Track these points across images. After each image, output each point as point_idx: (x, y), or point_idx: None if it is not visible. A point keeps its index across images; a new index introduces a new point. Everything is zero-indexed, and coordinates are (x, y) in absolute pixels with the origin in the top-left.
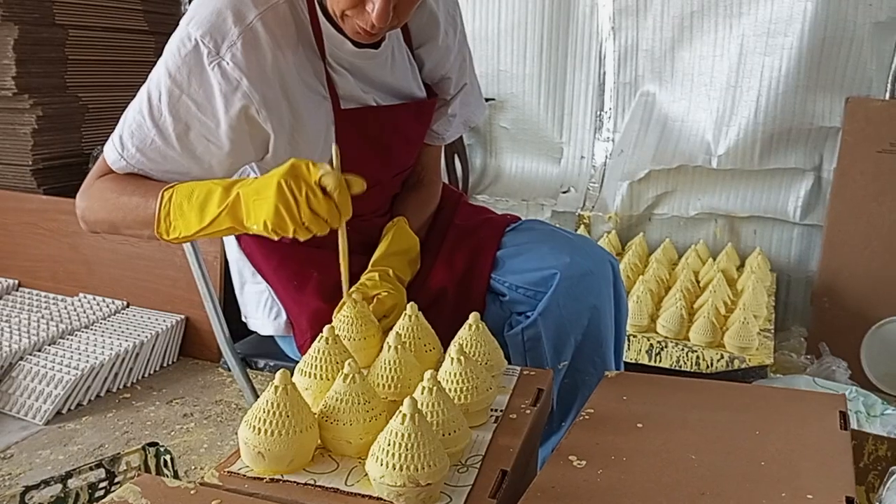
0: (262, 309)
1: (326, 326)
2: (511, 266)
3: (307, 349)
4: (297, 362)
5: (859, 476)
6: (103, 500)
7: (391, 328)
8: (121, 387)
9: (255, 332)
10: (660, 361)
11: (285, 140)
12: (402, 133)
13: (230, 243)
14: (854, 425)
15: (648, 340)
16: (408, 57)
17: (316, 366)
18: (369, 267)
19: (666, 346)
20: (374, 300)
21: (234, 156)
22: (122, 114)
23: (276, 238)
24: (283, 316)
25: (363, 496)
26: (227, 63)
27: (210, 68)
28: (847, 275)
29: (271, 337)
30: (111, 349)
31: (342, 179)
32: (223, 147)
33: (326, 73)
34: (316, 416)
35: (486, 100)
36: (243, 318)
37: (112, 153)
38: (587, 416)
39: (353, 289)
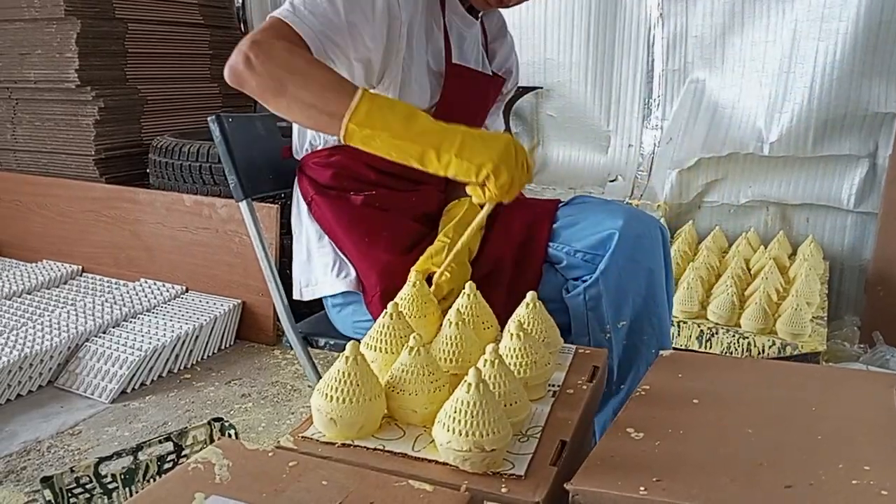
0: (330, 272)
1: (391, 303)
2: (567, 235)
3: (376, 304)
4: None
5: None
6: (188, 460)
7: (449, 308)
8: (181, 368)
9: (312, 313)
10: (710, 347)
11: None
12: (482, 101)
13: (297, 213)
14: None
15: (699, 326)
16: (481, 46)
17: (381, 340)
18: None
19: (717, 333)
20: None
21: (379, 41)
22: (178, 105)
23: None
24: (353, 274)
25: (430, 461)
26: None
27: None
28: None
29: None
30: (172, 332)
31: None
32: (376, 23)
33: (444, 25)
34: (383, 386)
35: (533, 88)
36: (305, 289)
37: (284, 12)
38: (643, 392)
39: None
